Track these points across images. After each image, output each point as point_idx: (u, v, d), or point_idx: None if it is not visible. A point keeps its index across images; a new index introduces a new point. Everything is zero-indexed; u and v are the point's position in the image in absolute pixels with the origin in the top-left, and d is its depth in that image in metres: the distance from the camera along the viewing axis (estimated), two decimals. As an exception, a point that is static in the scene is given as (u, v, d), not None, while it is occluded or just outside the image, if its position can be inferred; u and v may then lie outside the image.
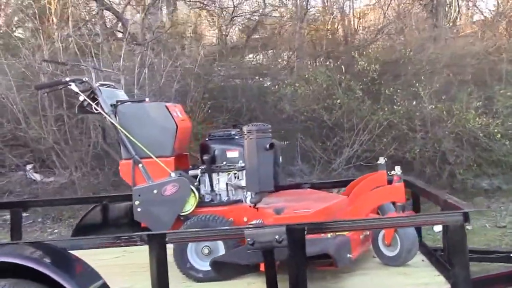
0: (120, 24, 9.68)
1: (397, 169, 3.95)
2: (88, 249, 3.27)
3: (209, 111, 7.88)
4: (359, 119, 7.60)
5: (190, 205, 4.09)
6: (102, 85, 4.71)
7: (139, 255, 3.51)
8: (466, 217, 3.08)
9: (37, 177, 9.35)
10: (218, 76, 8.49)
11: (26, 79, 7.87)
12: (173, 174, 4.11)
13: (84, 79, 4.17)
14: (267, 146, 3.97)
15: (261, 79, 8.79)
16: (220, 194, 4.28)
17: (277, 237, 3.03)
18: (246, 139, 4.00)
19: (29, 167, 9.32)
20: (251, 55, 10.39)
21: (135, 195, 4.07)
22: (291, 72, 8.72)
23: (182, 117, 4.43)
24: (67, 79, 4.17)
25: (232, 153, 4.20)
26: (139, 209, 4.06)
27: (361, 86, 7.88)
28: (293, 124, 8.03)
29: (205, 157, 4.23)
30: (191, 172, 4.31)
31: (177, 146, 4.24)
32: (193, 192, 4.08)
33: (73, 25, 8.48)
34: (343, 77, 8.05)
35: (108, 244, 3.33)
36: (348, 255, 3.61)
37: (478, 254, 4.53)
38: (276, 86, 8.18)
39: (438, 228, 7.48)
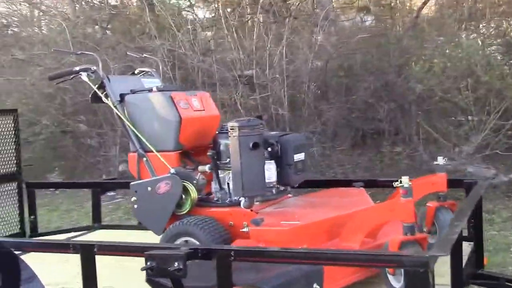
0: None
1: (404, 180, 3.12)
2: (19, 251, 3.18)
3: (318, 91, 7.25)
4: (506, 101, 6.31)
5: (187, 205, 3.77)
6: (140, 72, 4.58)
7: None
8: (427, 264, 2.32)
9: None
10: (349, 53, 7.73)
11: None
12: (172, 171, 3.81)
13: (92, 68, 4.04)
14: (251, 145, 3.45)
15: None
16: (229, 194, 3.87)
17: (176, 264, 2.59)
18: (229, 136, 3.53)
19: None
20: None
21: (132, 191, 3.87)
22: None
23: (198, 107, 4.06)
24: (77, 68, 4.07)
25: None
26: (135, 206, 3.85)
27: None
28: (426, 105, 7.01)
29: (209, 153, 3.85)
30: (200, 168, 3.97)
31: (186, 139, 3.91)
32: (189, 191, 3.73)
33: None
34: (489, 50, 6.77)
35: (40, 249, 3.22)
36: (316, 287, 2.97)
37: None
38: (413, 63, 7.18)
39: None
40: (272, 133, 3.85)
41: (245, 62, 7.75)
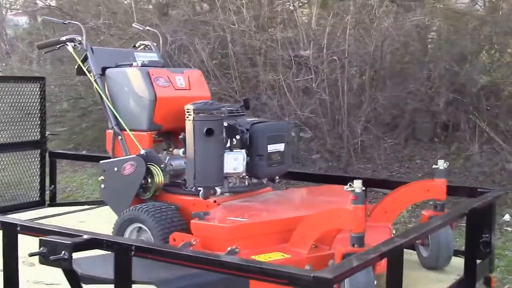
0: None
1: (357, 184, 2.69)
2: None
3: (364, 77, 6.66)
4: None
5: (152, 189, 3.54)
6: (141, 45, 4.40)
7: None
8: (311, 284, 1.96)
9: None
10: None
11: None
12: (142, 152, 3.60)
13: (78, 39, 3.89)
14: (204, 131, 3.14)
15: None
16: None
17: (63, 252, 2.38)
18: (185, 119, 3.25)
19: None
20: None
21: (101, 170, 3.70)
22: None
23: (182, 86, 3.81)
24: (64, 38, 3.93)
25: None
26: (102, 186, 3.68)
27: None
28: (492, 100, 6.25)
29: (181, 136, 3.58)
30: (175, 152, 3.73)
31: (163, 120, 3.68)
32: (152, 174, 3.50)
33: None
34: None
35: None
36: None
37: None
38: (484, 51, 6.40)
39: None
40: (248, 119, 3.51)
41: (301, 41, 7.34)
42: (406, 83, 6.93)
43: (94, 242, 2.47)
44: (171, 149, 3.87)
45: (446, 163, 3.37)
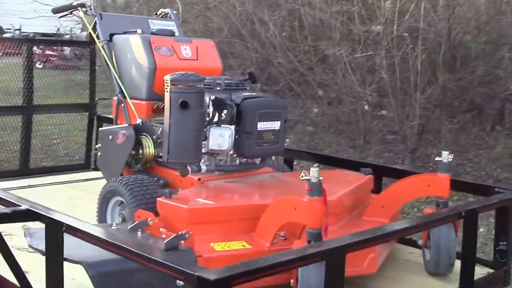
0: None
1: (313, 172, 2.39)
2: None
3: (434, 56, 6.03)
4: None
5: (142, 161, 3.42)
6: (162, 13, 4.28)
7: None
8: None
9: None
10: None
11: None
12: (138, 121, 3.49)
13: (88, 4, 3.81)
14: (179, 104, 2.95)
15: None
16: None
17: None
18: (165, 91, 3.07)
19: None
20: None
21: (99, 137, 3.64)
22: None
23: (188, 56, 3.65)
24: (75, 3, 3.88)
25: None
26: (99, 154, 3.61)
27: None
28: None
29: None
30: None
31: (163, 90, 3.53)
32: (142, 145, 3.38)
33: None
34: None
35: None
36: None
37: None
38: None
39: None
40: (244, 94, 3.27)
41: (373, 17, 6.87)
42: (478, 65, 6.29)
43: (26, 214, 2.40)
44: None
45: (451, 156, 2.95)
